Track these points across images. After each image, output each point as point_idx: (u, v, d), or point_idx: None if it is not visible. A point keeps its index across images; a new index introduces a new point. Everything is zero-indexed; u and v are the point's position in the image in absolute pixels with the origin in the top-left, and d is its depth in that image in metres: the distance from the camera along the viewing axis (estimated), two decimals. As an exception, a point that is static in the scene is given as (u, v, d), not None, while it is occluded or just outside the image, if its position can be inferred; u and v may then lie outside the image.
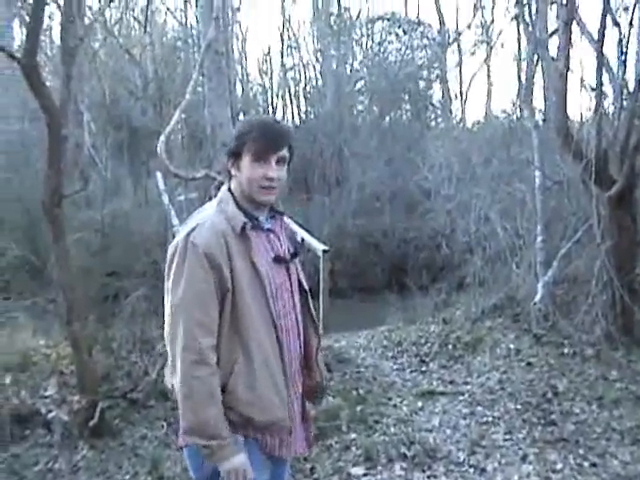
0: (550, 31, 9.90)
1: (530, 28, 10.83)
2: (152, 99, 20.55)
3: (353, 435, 6.22)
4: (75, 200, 10.43)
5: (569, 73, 8.39)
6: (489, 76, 28.06)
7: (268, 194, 2.95)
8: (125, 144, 21.06)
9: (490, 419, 6.61)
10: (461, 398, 7.30)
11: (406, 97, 26.95)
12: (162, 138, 8.02)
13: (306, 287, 3.21)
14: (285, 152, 2.96)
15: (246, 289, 2.84)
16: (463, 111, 28.14)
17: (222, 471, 2.79)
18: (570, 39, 8.33)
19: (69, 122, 7.21)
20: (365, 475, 5.48)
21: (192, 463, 3.00)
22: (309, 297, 3.23)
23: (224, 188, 3.06)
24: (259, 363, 2.87)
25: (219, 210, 2.94)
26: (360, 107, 28.19)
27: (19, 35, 18.32)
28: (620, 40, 8.77)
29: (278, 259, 3.01)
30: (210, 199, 3.22)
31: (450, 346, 9.17)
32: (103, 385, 6.53)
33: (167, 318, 2.85)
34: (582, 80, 9.57)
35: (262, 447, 2.99)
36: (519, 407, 6.83)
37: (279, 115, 26.75)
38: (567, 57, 8.27)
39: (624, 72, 8.88)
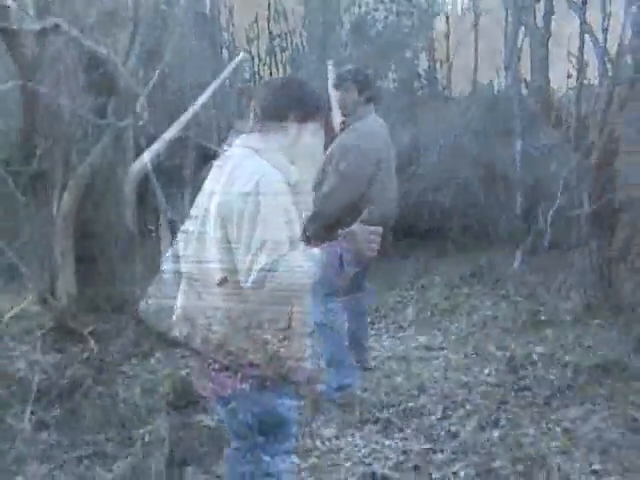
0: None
1: (515, -4, 10.80)
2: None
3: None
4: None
5: (550, 40, 8.39)
6: (476, 45, 27.92)
7: None
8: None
9: (464, 384, 6.62)
10: (435, 362, 7.33)
11: (392, 66, 26.81)
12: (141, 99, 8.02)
13: None
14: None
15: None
16: (449, 79, 28.03)
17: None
18: (552, 5, 8.31)
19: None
20: (337, 437, 5.48)
21: (251, 403, 3.01)
22: None
23: (258, 138, 3.06)
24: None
25: (267, 158, 2.96)
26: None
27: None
28: (604, 7, 8.75)
29: None
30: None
31: (428, 312, 9.19)
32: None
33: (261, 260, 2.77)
34: (569, 53, 9.57)
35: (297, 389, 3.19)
36: (494, 372, 6.85)
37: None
38: (548, 23, 8.26)
39: (605, 39, 8.82)
